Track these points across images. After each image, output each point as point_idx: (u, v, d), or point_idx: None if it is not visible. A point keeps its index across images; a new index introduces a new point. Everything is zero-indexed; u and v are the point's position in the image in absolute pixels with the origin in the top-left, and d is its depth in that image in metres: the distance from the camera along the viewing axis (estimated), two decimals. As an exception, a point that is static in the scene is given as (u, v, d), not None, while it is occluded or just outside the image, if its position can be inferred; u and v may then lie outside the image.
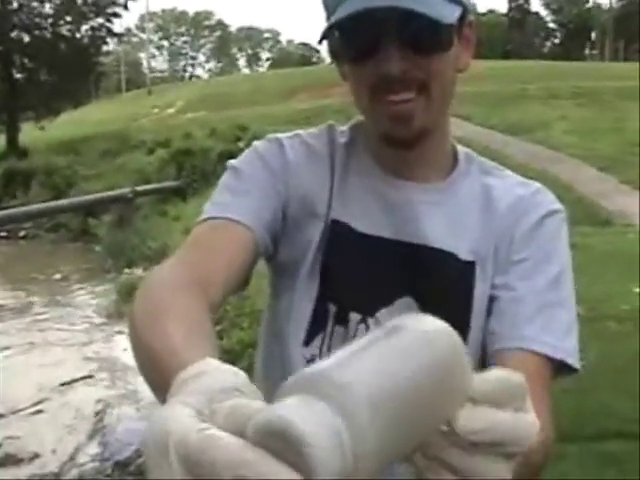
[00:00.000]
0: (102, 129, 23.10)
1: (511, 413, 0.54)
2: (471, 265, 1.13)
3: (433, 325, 0.58)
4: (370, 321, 1.12)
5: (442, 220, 1.14)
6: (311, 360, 1.13)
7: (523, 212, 1.15)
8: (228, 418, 0.49)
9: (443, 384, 0.53)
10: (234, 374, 0.57)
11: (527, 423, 0.55)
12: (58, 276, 11.08)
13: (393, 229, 1.14)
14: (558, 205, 1.18)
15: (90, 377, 6.22)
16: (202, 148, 16.00)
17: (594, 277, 6.96)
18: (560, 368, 1.07)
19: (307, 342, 1.14)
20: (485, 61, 27.20)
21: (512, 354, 1.05)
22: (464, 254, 1.13)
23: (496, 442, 0.53)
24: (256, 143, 1.19)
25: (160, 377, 0.71)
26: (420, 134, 1.10)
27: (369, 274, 1.13)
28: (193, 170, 15.49)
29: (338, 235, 1.14)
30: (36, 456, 4.70)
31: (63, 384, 5.94)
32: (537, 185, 1.20)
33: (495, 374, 0.56)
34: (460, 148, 1.22)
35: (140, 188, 14.73)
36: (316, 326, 1.14)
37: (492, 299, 1.12)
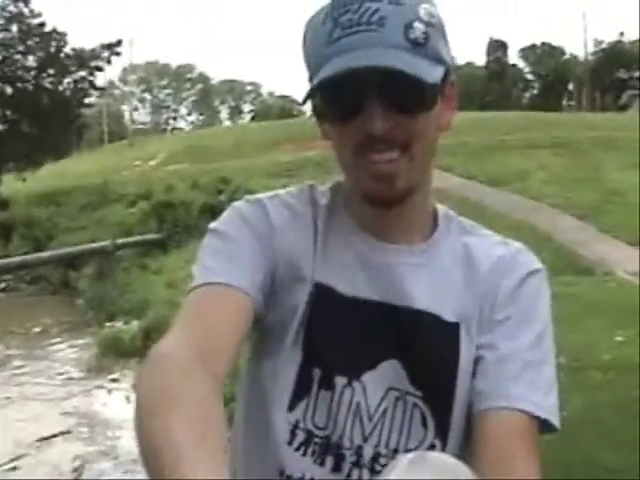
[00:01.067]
0: (83, 181, 23.11)
1: None
2: (456, 326, 1.13)
3: (445, 475, 0.56)
4: (355, 384, 1.10)
5: (425, 282, 1.14)
6: (295, 426, 1.11)
7: (505, 272, 1.15)
8: None
9: None
10: None
11: None
12: (37, 329, 10.96)
13: (376, 291, 1.13)
14: (539, 265, 1.18)
15: (68, 432, 6.12)
16: (184, 201, 16.01)
17: (576, 326, 6.97)
18: (542, 425, 1.06)
19: (291, 407, 1.12)
20: (464, 112, 27.55)
21: (499, 413, 1.04)
22: (448, 315, 1.13)
23: None
24: (237, 205, 1.18)
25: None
26: (403, 193, 1.09)
27: (353, 337, 1.12)
28: (175, 223, 15.48)
29: (321, 298, 1.13)
30: (12, 516, 4.60)
31: (41, 440, 5.84)
32: (517, 245, 1.20)
33: None
34: (439, 207, 1.22)
35: (121, 241, 14.69)
36: (300, 391, 1.12)
37: (478, 360, 1.11)
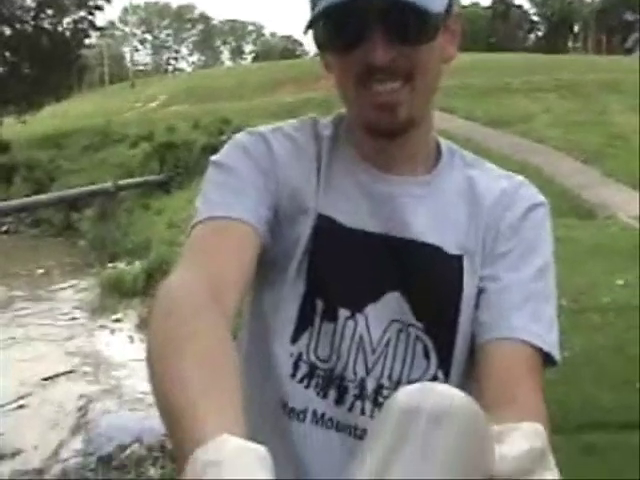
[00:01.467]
0: (85, 123, 22.99)
1: None
2: (459, 259, 1.12)
3: (448, 402, 0.55)
4: (359, 317, 1.10)
5: (428, 214, 1.13)
6: (298, 358, 1.11)
7: (508, 205, 1.14)
8: None
9: (473, 468, 0.52)
10: (253, 461, 0.57)
11: None
12: (40, 271, 11.02)
13: (379, 223, 1.12)
14: (542, 198, 1.17)
15: (72, 372, 6.19)
16: (185, 141, 15.95)
17: (577, 269, 7.00)
18: (545, 358, 1.06)
19: (294, 339, 1.12)
20: (469, 54, 27.24)
21: (501, 344, 1.04)
22: (451, 248, 1.12)
23: None
24: (238, 137, 1.16)
25: (174, 433, 0.70)
26: (405, 124, 1.08)
27: (356, 269, 1.11)
28: (176, 163, 15.44)
29: (324, 230, 1.12)
30: (18, 452, 4.67)
31: (45, 379, 5.91)
32: (520, 178, 1.19)
33: (514, 449, 0.56)
34: (442, 141, 1.21)
35: (123, 182, 14.67)
36: (303, 323, 1.11)
37: (480, 291, 1.11)
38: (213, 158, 1.14)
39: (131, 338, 7.09)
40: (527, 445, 0.55)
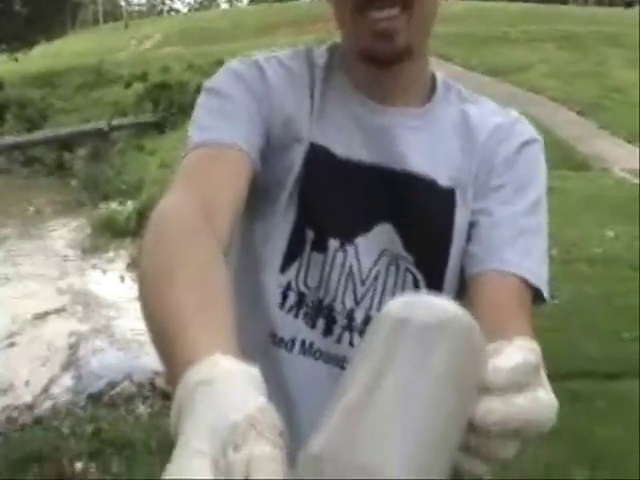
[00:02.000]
0: (78, 62, 22.70)
1: (527, 398, 0.54)
2: (451, 191, 1.12)
3: (442, 313, 0.54)
4: (349, 248, 1.10)
5: (421, 146, 1.12)
6: (287, 287, 1.11)
7: (502, 140, 1.14)
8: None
9: (467, 382, 0.52)
10: (245, 380, 0.56)
11: (543, 407, 0.55)
12: (32, 210, 10.99)
13: (372, 153, 1.11)
14: (536, 134, 1.17)
15: (63, 310, 6.21)
16: (179, 82, 15.78)
17: (569, 220, 7.02)
18: (535, 295, 1.06)
19: (283, 269, 1.11)
20: (466, 1, 26.92)
21: (492, 276, 1.04)
22: (444, 181, 1.11)
23: (516, 429, 0.54)
24: (231, 64, 1.14)
25: (167, 357, 0.69)
26: (402, 52, 1.06)
27: (347, 199, 1.11)
28: (170, 104, 15.28)
29: (316, 159, 1.11)
30: (10, 388, 4.71)
31: (36, 317, 5.93)
32: (515, 114, 1.18)
33: (507, 361, 0.55)
34: (438, 74, 1.20)
35: (116, 122, 14.55)
36: (293, 252, 1.11)
37: (471, 224, 1.10)
38: (206, 84, 1.12)
39: (122, 277, 7.10)
40: (521, 358, 0.55)
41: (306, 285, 1.11)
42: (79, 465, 3.54)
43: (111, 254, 8.08)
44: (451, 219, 1.11)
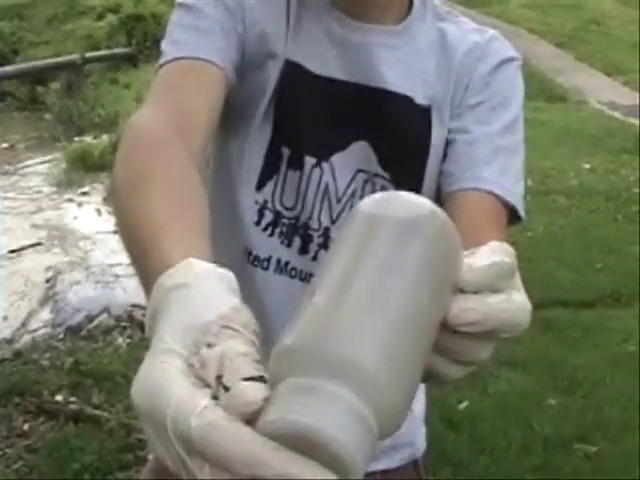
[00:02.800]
0: (48, -7, 22.16)
1: (502, 299, 0.54)
2: (427, 109, 1.11)
3: (418, 209, 0.52)
4: (325, 165, 1.10)
5: (398, 63, 1.11)
6: (263, 206, 1.11)
7: (479, 58, 1.13)
8: (224, 378, 0.46)
9: (442, 280, 0.51)
10: (220, 283, 0.55)
11: (518, 308, 0.55)
12: (5, 145, 10.84)
13: (348, 71, 1.10)
14: (514, 53, 1.16)
15: (39, 244, 6.18)
16: (153, 14, 15.46)
17: (545, 152, 7.04)
18: (510, 213, 1.07)
19: (259, 186, 1.11)
20: None
21: (468, 194, 1.04)
22: (420, 99, 1.11)
23: (490, 330, 0.53)
24: None
25: (141, 264, 0.67)
26: None
27: (323, 116, 1.10)
28: (144, 37, 14.99)
29: (292, 76, 1.09)
30: (-13, 322, 4.71)
31: (12, 251, 5.90)
32: (492, 32, 1.17)
33: (483, 260, 0.54)
34: None
35: (90, 55, 14.27)
36: (269, 170, 1.11)
37: (448, 143, 1.10)
38: (179, 0, 1.09)
39: (98, 211, 7.05)
40: (497, 257, 0.54)
41: (282, 203, 1.11)
42: (59, 397, 3.57)
43: (86, 188, 8.00)
44: (427, 136, 1.10)
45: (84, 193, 7.87)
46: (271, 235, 1.12)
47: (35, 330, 4.59)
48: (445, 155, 1.10)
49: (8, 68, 13.80)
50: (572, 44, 13.18)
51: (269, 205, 1.12)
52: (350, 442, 0.43)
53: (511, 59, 1.14)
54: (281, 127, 1.10)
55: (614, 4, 15.14)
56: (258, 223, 1.12)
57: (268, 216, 1.12)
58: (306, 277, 1.12)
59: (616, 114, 9.53)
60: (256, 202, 1.12)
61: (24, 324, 4.68)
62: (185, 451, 0.46)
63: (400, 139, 1.11)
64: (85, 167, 8.56)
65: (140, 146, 0.84)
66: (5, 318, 4.75)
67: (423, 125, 1.11)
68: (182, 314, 0.52)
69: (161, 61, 1.04)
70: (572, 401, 3.53)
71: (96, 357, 3.99)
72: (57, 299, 5.08)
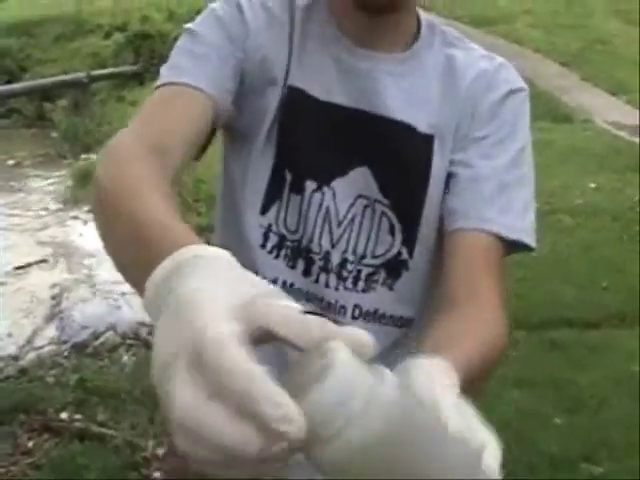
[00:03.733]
0: (56, 11, 22.28)
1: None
2: (430, 138, 1.12)
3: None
4: (326, 189, 1.11)
5: (402, 91, 1.12)
6: (267, 229, 1.13)
7: (486, 87, 1.13)
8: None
9: None
10: (231, 261, 0.59)
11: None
12: (11, 162, 10.87)
13: (352, 98, 1.11)
14: (522, 82, 1.16)
15: (45, 262, 6.19)
16: (160, 32, 15.55)
17: (552, 171, 7.04)
18: (516, 245, 1.07)
19: (264, 211, 1.13)
20: (452, -50, 26.54)
21: (469, 234, 1.05)
22: (423, 127, 1.12)
23: None
24: (214, 6, 1.14)
25: (146, 250, 0.65)
26: (395, 3, 1.07)
27: (325, 142, 1.11)
28: (151, 54, 15.05)
29: (295, 101, 1.11)
30: (-7, 339, 4.71)
31: (18, 268, 5.91)
32: (501, 60, 1.18)
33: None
34: (424, 16, 1.18)
35: (96, 72, 14.35)
36: (272, 194, 1.12)
37: (451, 176, 1.10)
38: (186, 25, 1.12)
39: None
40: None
41: (286, 227, 1.13)
42: (64, 415, 3.57)
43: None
44: (428, 164, 1.11)
45: (90, 211, 7.87)
46: (276, 257, 1.14)
47: (40, 347, 4.60)
48: (448, 188, 1.10)
49: (15, 85, 13.90)
50: (577, 63, 13.20)
51: (273, 228, 1.13)
52: None
53: (519, 89, 1.14)
54: (284, 151, 1.11)
55: (618, 23, 15.17)
56: (264, 246, 1.14)
57: (273, 239, 1.13)
58: (311, 299, 1.14)
59: (621, 133, 9.54)
60: (261, 225, 1.13)
61: (29, 341, 4.68)
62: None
63: (400, 167, 1.12)
64: (91, 185, 8.57)
65: (118, 160, 0.87)
66: (10, 335, 4.75)
67: (424, 154, 1.11)
68: (222, 277, 0.55)
69: (156, 84, 1.07)
70: (578, 421, 3.51)
71: (102, 374, 3.99)
72: (63, 316, 5.08)
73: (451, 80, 1.14)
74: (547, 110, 10.32)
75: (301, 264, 1.13)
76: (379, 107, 1.11)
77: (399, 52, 1.14)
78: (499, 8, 17.02)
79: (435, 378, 0.57)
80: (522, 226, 1.07)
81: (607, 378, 3.85)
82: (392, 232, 1.12)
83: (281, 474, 0.50)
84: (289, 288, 1.13)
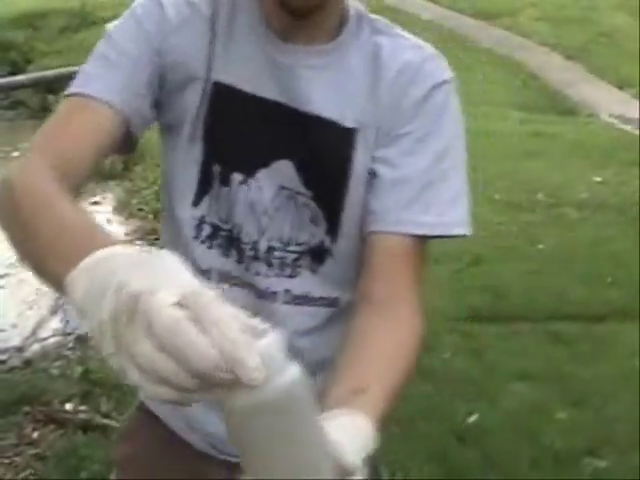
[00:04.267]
0: (60, 4, 22.28)
1: None
2: (353, 132, 1.13)
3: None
4: (251, 181, 1.14)
5: (325, 85, 1.13)
6: (200, 220, 1.17)
7: (410, 82, 1.12)
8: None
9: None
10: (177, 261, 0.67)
11: None
12: (16, 153, 10.88)
13: (277, 91, 1.12)
14: (448, 74, 1.15)
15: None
16: (164, 25, 15.57)
17: (556, 165, 7.03)
18: (446, 236, 1.12)
19: (196, 203, 1.17)
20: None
21: (389, 238, 1.08)
22: (347, 121, 1.13)
23: None
24: (137, 3, 1.16)
25: (75, 246, 0.73)
26: (318, 5, 1.07)
27: (250, 134, 1.14)
28: (155, 48, 15.11)
29: (219, 96, 1.13)
30: (-2, 331, 4.72)
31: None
32: (429, 51, 1.16)
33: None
34: (352, 4, 1.17)
35: (100, 65, 14.36)
36: (203, 187, 1.16)
37: (373, 174, 1.12)
38: (108, 26, 1.15)
39: (109, 221, 7.08)
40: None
41: (218, 217, 1.17)
42: (69, 406, 3.57)
43: (97, 198, 8.02)
44: (349, 159, 1.13)
45: (95, 202, 7.89)
46: (210, 247, 1.18)
47: (45, 339, 4.60)
48: (370, 185, 1.12)
49: (20, 77, 13.86)
50: (582, 57, 13.15)
51: (207, 219, 1.17)
52: None
53: (443, 82, 1.13)
54: (211, 145, 1.14)
55: (624, 17, 15.11)
56: (197, 237, 1.18)
57: (206, 229, 1.18)
58: (244, 285, 1.18)
59: (627, 127, 9.51)
60: (194, 217, 1.17)
61: (34, 332, 4.69)
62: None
63: (322, 161, 1.13)
64: (96, 176, 8.59)
65: (28, 177, 0.93)
66: (15, 326, 4.76)
67: (346, 148, 1.13)
68: (160, 270, 0.64)
69: (66, 92, 1.10)
70: (582, 415, 3.51)
71: (106, 366, 3.97)
72: (67, 308, 5.08)
73: (376, 72, 1.13)
74: (552, 103, 10.31)
75: (234, 253, 1.17)
76: (302, 102, 1.12)
77: (325, 42, 1.14)
78: (504, 1, 16.97)
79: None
80: (450, 219, 1.10)
81: (611, 372, 3.84)
82: (315, 222, 1.16)
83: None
84: (224, 276, 1.18)
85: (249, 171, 1.14)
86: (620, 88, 11.53)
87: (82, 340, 4.48)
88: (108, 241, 0.71)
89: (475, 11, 16.25)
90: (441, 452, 3.19)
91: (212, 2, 1.14)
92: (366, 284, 1.07)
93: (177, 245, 1.17)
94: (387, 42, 1.15)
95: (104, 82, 1.08)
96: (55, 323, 4.84)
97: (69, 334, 4.62)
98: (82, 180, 1.03)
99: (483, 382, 3.72)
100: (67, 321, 4.83)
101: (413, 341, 1.01)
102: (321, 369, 1.09)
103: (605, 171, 7.16)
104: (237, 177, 1.14)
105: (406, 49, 1.15)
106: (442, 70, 1.15)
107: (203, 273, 1.17)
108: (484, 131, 7.75)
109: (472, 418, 3.42)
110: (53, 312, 5.00)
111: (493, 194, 6.04)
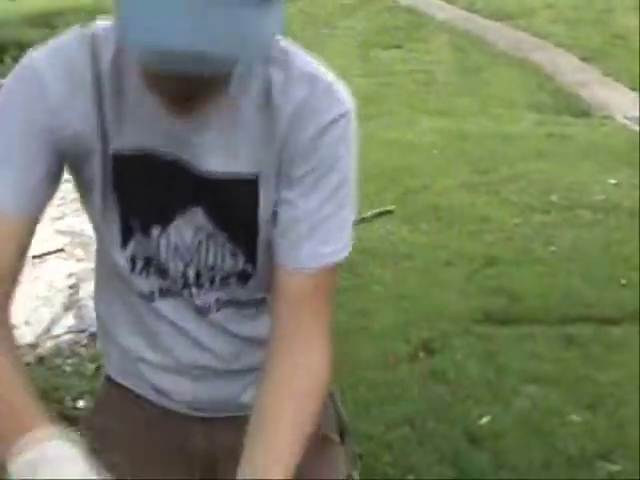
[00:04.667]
0: (75, 2, 22.38)
1: None
2: (253, 182, 1.15)
3: None
4: (170, 229, 1.20)
5: (222, 142, 1.13)
6: (132, 258, 1.23)
7: (306, 119, 1.12)
8: None
9: None
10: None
11: None
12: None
13: (176, 150, 1.14)
14: (344, 106, 1.14)
15: (62, 251, 6.21)
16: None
17: (571, 167, 6.99)
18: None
19: (124, 246, 1.22)
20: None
21: (292, 276, 1.15)
22: (246, 174, 1.15)
23: None
24: (9, 87, 1.14)
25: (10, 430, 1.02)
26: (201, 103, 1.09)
27: (159, 190, 1.17)
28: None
29: (122, 164, 1.15)
30: (12, 328, 4.72)
31: (35, 257, 5.93)
32: (322, 83, 1.13)
33: None
34: None
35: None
36: (126, 236, 1.22)
37: (275, 214, 1.16)
38: None
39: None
40: None
41: (146, 255, 1.23)
42: (81, 403, 3.58)
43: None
44: (255, 208, 1.17)
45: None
46: (147, 276, 1.25)
47: (58, 336, 4.62)
48: (276, 225, 1.18)
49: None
50: (598, 58, 13.09)
51: (137, 256, 1.23)
52: None
53: (340, 116, 1.12)
54: (125, 206, 1.19)
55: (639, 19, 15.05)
56: (133, 270, 1.25)
57: (139, 263, 1.24)
58: (184, 299, 1.27)
59: (642, 129, 9.45)
60: (125, 257, 1.24)
61: (47, 330, 4.71)
62: None
63: (229, 209, 1.18)
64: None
65: None
66: (28, 323, 4.78)
67: (249, 197, 1.17)
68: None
69: None
70: (595, 418, 3.49)
71: (118, 364, 4.00)
72: (80, 305, 5.09)
73: (270, 115, 1.12)
74: (567, 105, 10.25)
75: (168, 279, 1.26)
76: (200, 162, 1.14)
77: (215, 104, 1.11)
78: (520, 2, 16.92)
79: None
80: (340, 246, 1.17)
81: (626, 375, 3.81)
82: (234, 256, 1.22)
83: None
84: (166, 292, 1.26)
85: (165, 222, 1.20)
86: (635, 90, 11.47)
87: (95, 338, 4.50)
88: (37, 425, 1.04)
89: (491, 12, 16.20)
90: (453, 454, 3.18)
91: (92, 64, 1.11)
92: (275, 322, 1.18)
93: (115, 277, 1.28)
94: (279, 76, 1.12)
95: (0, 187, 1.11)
96: (69, 320, 4.86)
97: (82, 331, 4.64)
98: (15, 279, 1.18)
99: (496, 384, 3.70)
100: (81, 318, 4.85)
101: (317, 391, 1.14)
102: (259, 346, 1.25)
103: (620, 173, 7.11)
104: (155, 230, 1.20)
105: (298, 83, 1.12)
106: (338, 103, 1.13)
107: (146, 296, 1.26)
108: (499, 133, 7.73)
109: (485, 420, 3.41)
110: (67, 309, 5.02)
111: (508, 196, 6.03)
